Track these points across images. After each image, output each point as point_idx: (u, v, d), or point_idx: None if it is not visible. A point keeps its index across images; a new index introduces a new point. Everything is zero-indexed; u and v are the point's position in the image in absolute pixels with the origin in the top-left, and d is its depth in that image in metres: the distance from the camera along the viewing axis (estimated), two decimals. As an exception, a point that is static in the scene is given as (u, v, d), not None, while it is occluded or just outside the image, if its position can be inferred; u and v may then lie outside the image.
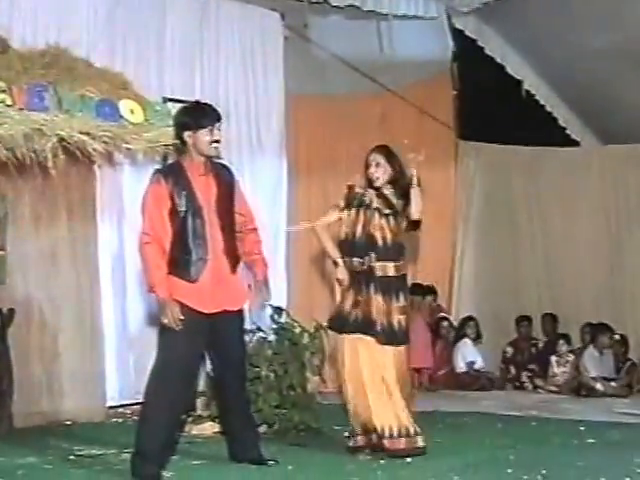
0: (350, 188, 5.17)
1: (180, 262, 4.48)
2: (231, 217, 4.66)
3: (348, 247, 5.08)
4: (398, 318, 4.98)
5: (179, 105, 5.20)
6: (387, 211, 5.03)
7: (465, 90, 9.55)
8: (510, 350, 9.06)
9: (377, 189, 5.10)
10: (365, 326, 4.96)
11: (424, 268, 9.04)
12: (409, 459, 4.83)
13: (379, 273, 4.98)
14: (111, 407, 6.49)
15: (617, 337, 8.70)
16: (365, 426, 5.00)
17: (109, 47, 6.46)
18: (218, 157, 4.78)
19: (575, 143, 10.13)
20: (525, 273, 9.69)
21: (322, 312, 6.30)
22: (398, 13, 7.97)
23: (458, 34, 9.14)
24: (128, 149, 5.47)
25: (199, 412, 5.80)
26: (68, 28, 6.14)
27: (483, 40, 9.23)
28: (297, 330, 5.93)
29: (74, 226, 6.33)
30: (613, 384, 8.33)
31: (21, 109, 4.96)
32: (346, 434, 5.16)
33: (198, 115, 4.63)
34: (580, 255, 9.48)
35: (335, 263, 5.15)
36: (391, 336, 4.95)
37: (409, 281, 5.58)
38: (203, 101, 5.05)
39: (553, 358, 8.66)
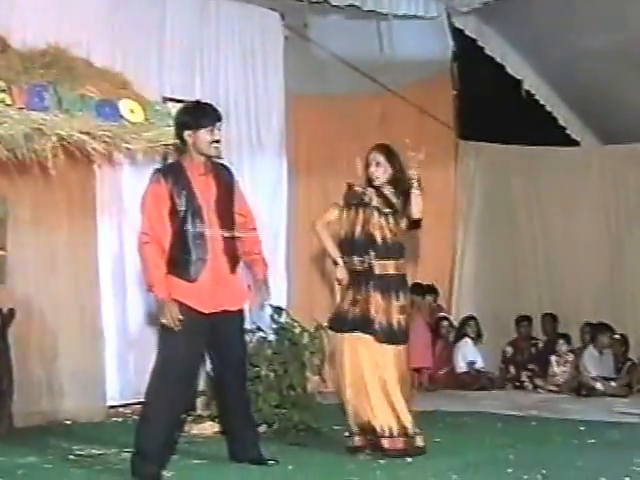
0: (350, 187, 5.18)
1: (179, 262, 4.48)
2: (231, 217, 4.67)
3: (348, 246, 5.08)
4: (397, 317, 4.98)
5: (179, 105, 5.19)
6: (386, 210, 5.03)
7: (465, 90, 9.55)
8: (510, 350, 9.06)
9: (377, 188, 5.10)
10: (363, 324, 4.96)
11: (424, 268, 9.05)
12: (409, 459, 4.83)
13: (378, 272, 4.98)
14: (111, 407, 6.49)
15: (617, 337, 8.69)
16: (364, 426, 5.00)
17: (109, 47, 6.45)
18: (218, 157, 4.79)
19: (575, 143, 10.13)
20: (525, 273, 9.68)
21: (322, 312, 6.30)
22: (398, 13, 7.97)
23: (458, 34, 9.14)
24: (128, 149, 5.46)
25: (199, 412, 5.80)
26: (68, 28, 6.12)
27: (483, 40, 9.23)
28: (297, 330, 5.93)
29: (74, 226, 6.33)
30: (613, 384, 8.33)
31: (21, 109, 4.95)
32: (346, 434, 5.15)
33: (199, 115, 4.63)
34: (580, 255, 9.48)
35: (335, 262, 5.15)
36: (390, 335, 4.95)
37: (409, 281, 5.58)
38: (204, 101, 5.06)
39: (553, 358, 8.66)
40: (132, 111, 5.44)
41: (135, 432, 4.47)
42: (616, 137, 9.59)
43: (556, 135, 9.91)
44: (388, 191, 5.09)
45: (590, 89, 9.17)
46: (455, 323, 9.18)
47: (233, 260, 4.63)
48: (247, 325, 5.10)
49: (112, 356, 6.55)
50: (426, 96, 9.25)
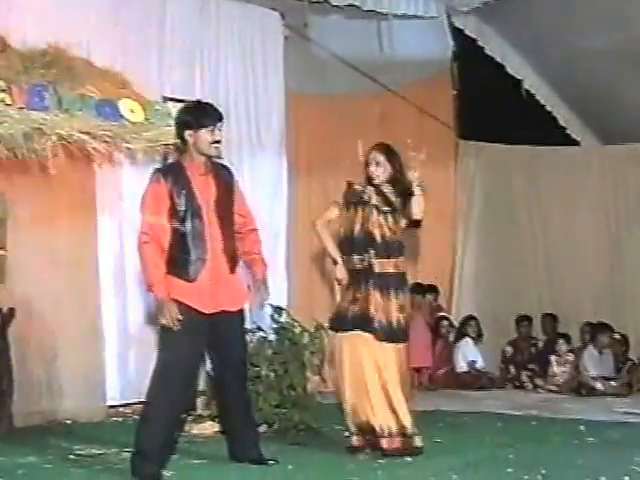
0: (349, 185, 5.18)
1: (179, 262, 4.48)
2: (230, 217, 4.67)
3: (347, 244, 5.09)
4: (397, 316, 4.98)
5: (179, 105, 5.20)
6: (386, 208, 5.04)
7: (465, 90, 9.55)
8: (510, 350, 9.06)
9: (376, 187, 5.10)
10: (363, 323, 4.96)
11: (424, 268, 9.05)
12: (409, 458, 4.83)
13: (378, 270, 4.99)
14: (111, 406, 6.49)
15: (617, 336, 8.71)
16: (362, 426, 4.99)
17: (109, 47, 6.45)
18: (219, 157, 4.79)
19: (575, 143, 10.13)
20: (525, 273, 9.68)
21: (322, 312, 6.31)
22: (398, 13, 7.95)
23: (458, 34, 9.13)
24: (128, 148, 5.45)
25: (199, 411, 5.80)
26: (68, 28, 6.11)
27: (483, 40, 9.22)
28: (297, 330, 5.94)
29: (74, 225, 6.32)
30: (613, 383, 8.34)
31: (21, 108, 4.94)
32: (346, 434, 5.16)
33: (200, 114, 4.63)
34: (580, 255, 9.48)
35: (335, 262, 5.15)
36: (390, 333, 4.95)
37: (410, 281, 5.58)
38: (204, 100, 5.06)
39: (553, 358, 8.65)
40: (132, 111, 5.43)
41: (135, 432, 4.48)
42: (616, 137, 9.59)
43: (556, 135, 9.91)
44: (387, 190, 5.09)
45: (590, 89, 9.17)
46: (455, 323, 9.18)
47: (233, 260, 4.63)
48: (247, 325, 5.10)
49: (112, 356, 6.54)
50: (426, 96, 9.25)
